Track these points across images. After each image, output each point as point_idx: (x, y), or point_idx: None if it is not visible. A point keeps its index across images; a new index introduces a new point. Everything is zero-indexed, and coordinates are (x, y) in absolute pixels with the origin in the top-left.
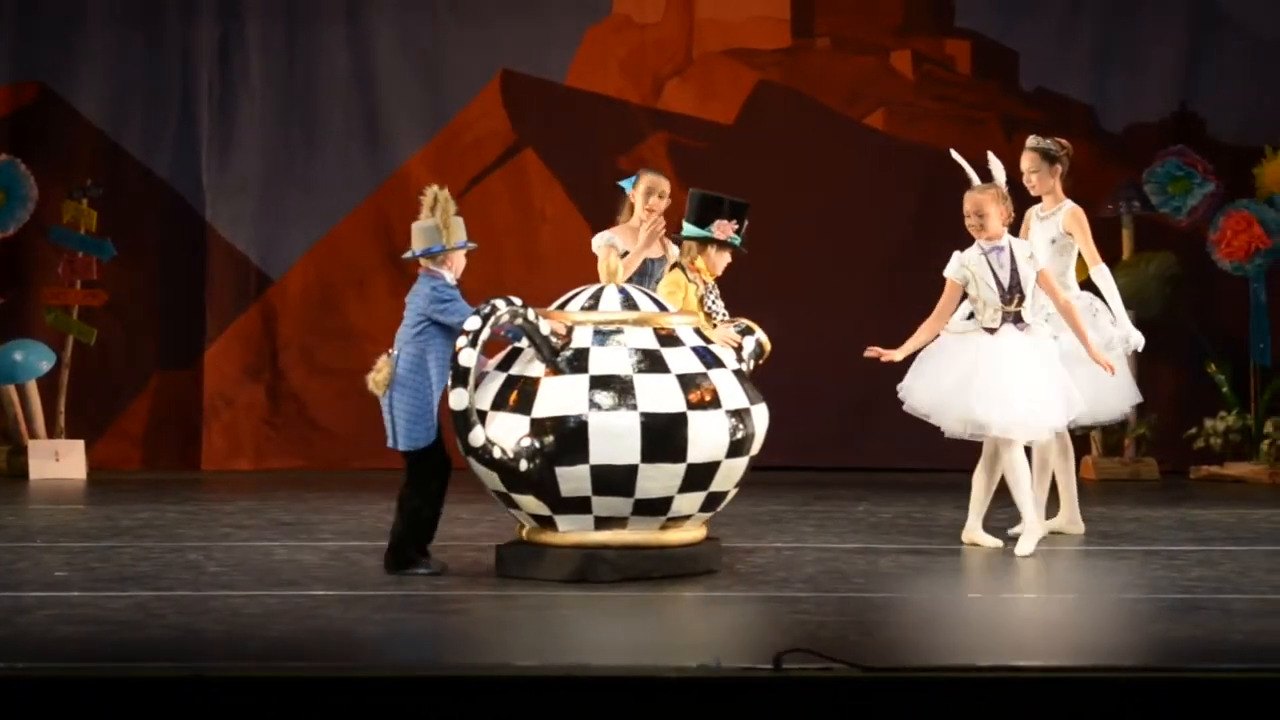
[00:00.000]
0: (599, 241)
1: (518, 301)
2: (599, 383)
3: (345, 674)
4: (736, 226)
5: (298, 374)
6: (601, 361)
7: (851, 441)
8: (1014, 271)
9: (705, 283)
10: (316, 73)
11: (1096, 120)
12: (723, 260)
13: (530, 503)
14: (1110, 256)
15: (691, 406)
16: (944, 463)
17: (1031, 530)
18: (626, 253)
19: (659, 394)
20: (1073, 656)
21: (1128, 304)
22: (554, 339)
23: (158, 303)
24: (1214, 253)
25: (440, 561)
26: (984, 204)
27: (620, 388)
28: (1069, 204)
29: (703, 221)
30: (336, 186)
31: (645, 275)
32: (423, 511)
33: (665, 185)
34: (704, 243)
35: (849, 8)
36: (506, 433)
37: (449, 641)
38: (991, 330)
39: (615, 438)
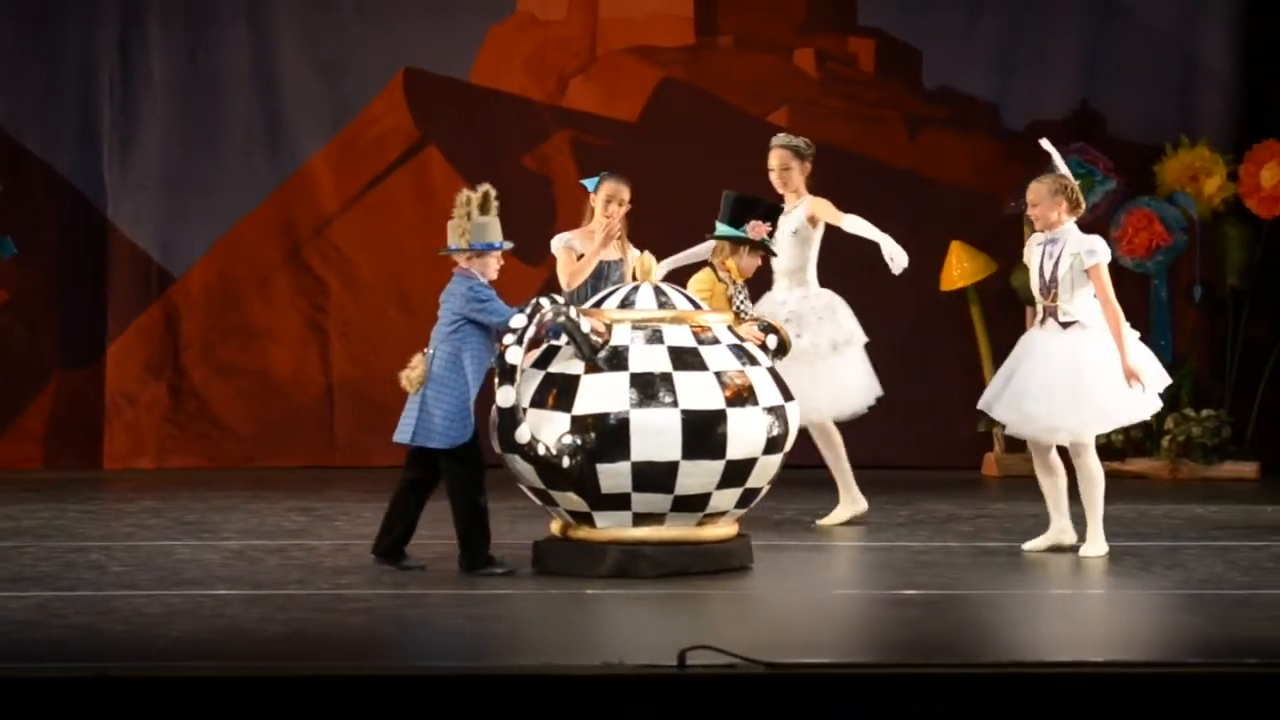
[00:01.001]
0: (558, 243)
1: (560, 299)
2: (639, 380)
3: (247, 674)
4: (770, 229)
5: (200, 372)
6: (641, 359)
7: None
8: (1056, 266)
9: (734, 283)
10: (218, 71)
11: (999, 118)
12: (754, 262)
13: (569, 499)
14: (1013, 254)
15: (730, 403)
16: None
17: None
18: (583, 255)
19: (698, 391)
20: (974, 653)
21: (1029, 301)
22: (594, 337)
23: (59, 301)
24: (1115, 249)
25: (507, 561)
26: (1041, 194)
27: (660, 385)
28: (810, 197)
29: (736, 222)
30: (238, 185)
31: (601, 278)
32: (480, 502)
33: (626, 192)
34: (737, 243)
35: (752, 6)
36: (547, 430)
37: (351, 642)
38: (1040, 324)
39: (656, 434)
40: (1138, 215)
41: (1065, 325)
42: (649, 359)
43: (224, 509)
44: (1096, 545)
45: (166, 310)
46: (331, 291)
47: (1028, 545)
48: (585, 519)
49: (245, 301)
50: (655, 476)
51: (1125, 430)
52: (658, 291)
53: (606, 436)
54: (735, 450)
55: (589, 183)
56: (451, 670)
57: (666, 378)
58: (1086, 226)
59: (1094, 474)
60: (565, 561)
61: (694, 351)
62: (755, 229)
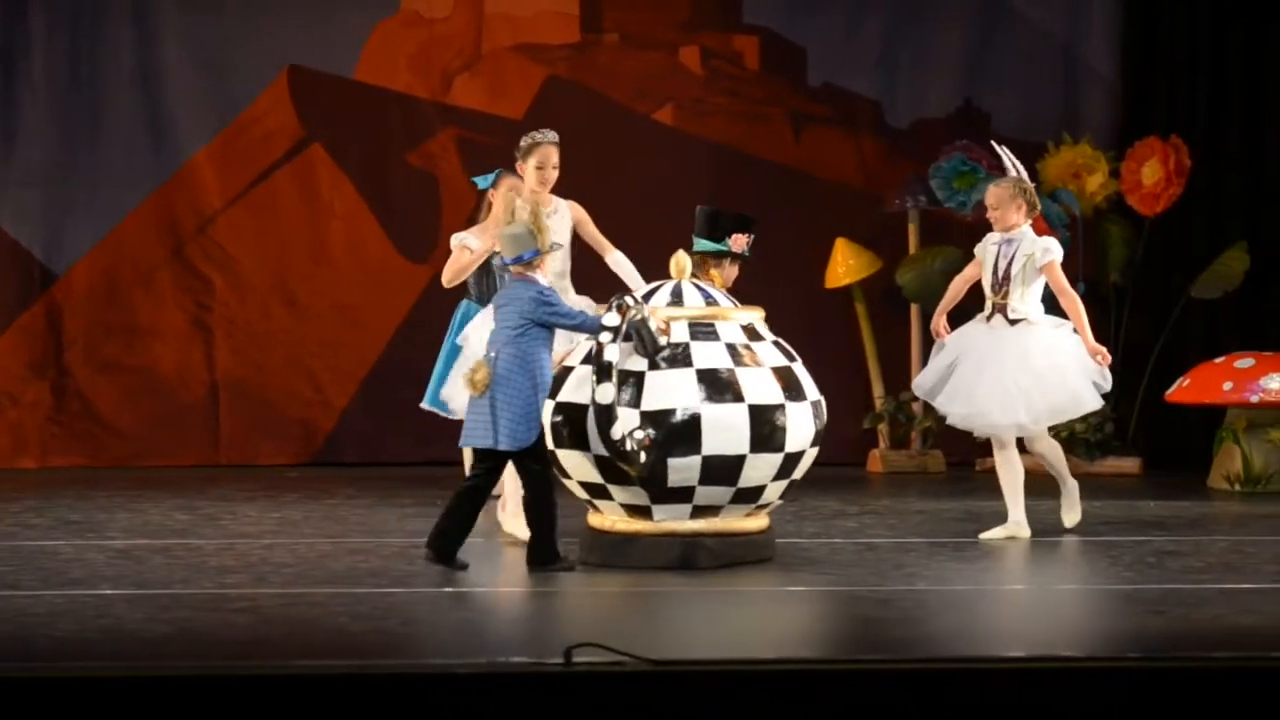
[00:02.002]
0: (455, 241)
1: (635, 297)
2: (705, 376)
3: (132, 674)
4: (748, 239)
5: (83, 371)
6: (703, 355)
7: None
8: (1010, 264)
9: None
10: (101, 67)
11: (883, 115)
12: (734, 273)
13: (628, 493)
14: (897, 252)
15: (786, 397)
16: None
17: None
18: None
19: (759, 385)
20: (861, 649)
21: (914, 299)
22: (660, 336)
23: None
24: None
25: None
26: (1002, 197)
27: (725, 380)
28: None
29: (716, 236)
30: (122, 182)
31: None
32: (553, 499)
33: (525, 187)
34: (719, 256)
35: (638, 3)
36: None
37: (237, 641)
38: (987, 319)
39: (726, 429)
40: None
41: (1013, 322)
42: (711, 355)
43: (108, 508)
44: (1075, 513)
45: (49, 308)
46: (216, 289)
47: (984, 535)
48: (641, 512)
49: (129, 299)
50: (723, 470)
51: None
52: (699, 289)
53: (678, 431)
54: (792, 443)
55: (481, 180)
56: (337, 670)
57: (730, 373)
58: (970, 223)
59: (1054, 444)
60: (620, 554)
61: (747, 347)
62: (737, 241)
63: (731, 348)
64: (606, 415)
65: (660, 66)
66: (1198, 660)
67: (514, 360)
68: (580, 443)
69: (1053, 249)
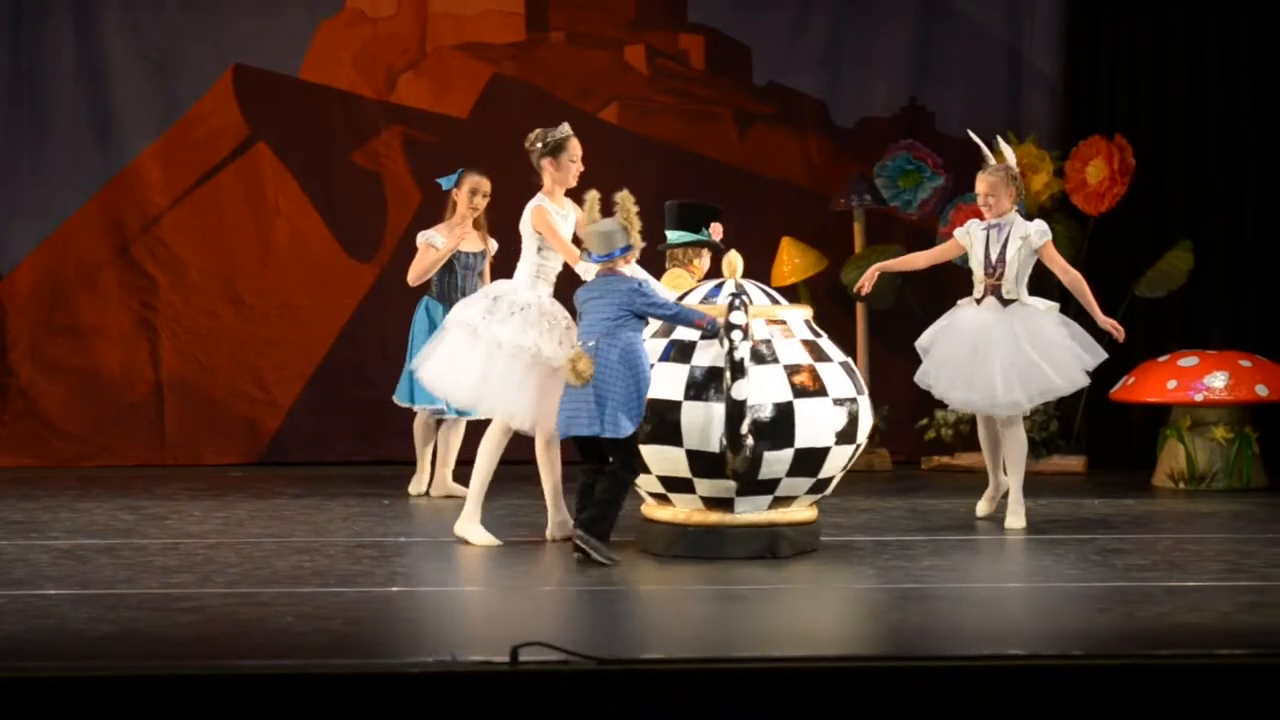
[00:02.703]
0: (421, 239)
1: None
2: (792, 371)
3: (77, 674)
4: (721, 229)
5: (28, 371)
6: (785, 352)
7: None
8: (1004, 248)
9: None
10: (44, 66)
11: (828, 114)
12: (705, 263)
13: (711, 486)
14: (843, 250)
15: (858, 391)
16: None
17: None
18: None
19: (838, 380)
20: (808, 647)
21: (857, 298)
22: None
23: None
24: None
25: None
26: (995, 185)
27: (810, 374)
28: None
29: (695, 227)
30: (66, 181)
31: (468, 269)
32: (628, 490)
33: (487, 185)
34: (700, 247)
35: (583, 2)
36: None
37: (182, 641)
38: (978, 301)
39: (816, 422)
40: (966, 211)
41: (1006, 302)
42: (791, 351)
43: (52, 508)
44: (1019, 515)
45: None
46: (161, 289)
47: (981, 511)
48: (722, 505)
49: (74, 299)
50: (810, 462)
51: (954, 424)
52: (760, 288)
53: (774, 425)
54: (861, 435)
55: (445, 181)
56: (282, 670)
57: (810, 368)
58: (915, 221)
59: (1024, 445)
60: (705, 546)
61: (815, 343)
62: (716, 230)
63: (806, 343)
64: (740, 411)
65: (606, 65)
66: (1142, 658)
67: (614, 350)
68: (669, 438)
69: (1046, 230)
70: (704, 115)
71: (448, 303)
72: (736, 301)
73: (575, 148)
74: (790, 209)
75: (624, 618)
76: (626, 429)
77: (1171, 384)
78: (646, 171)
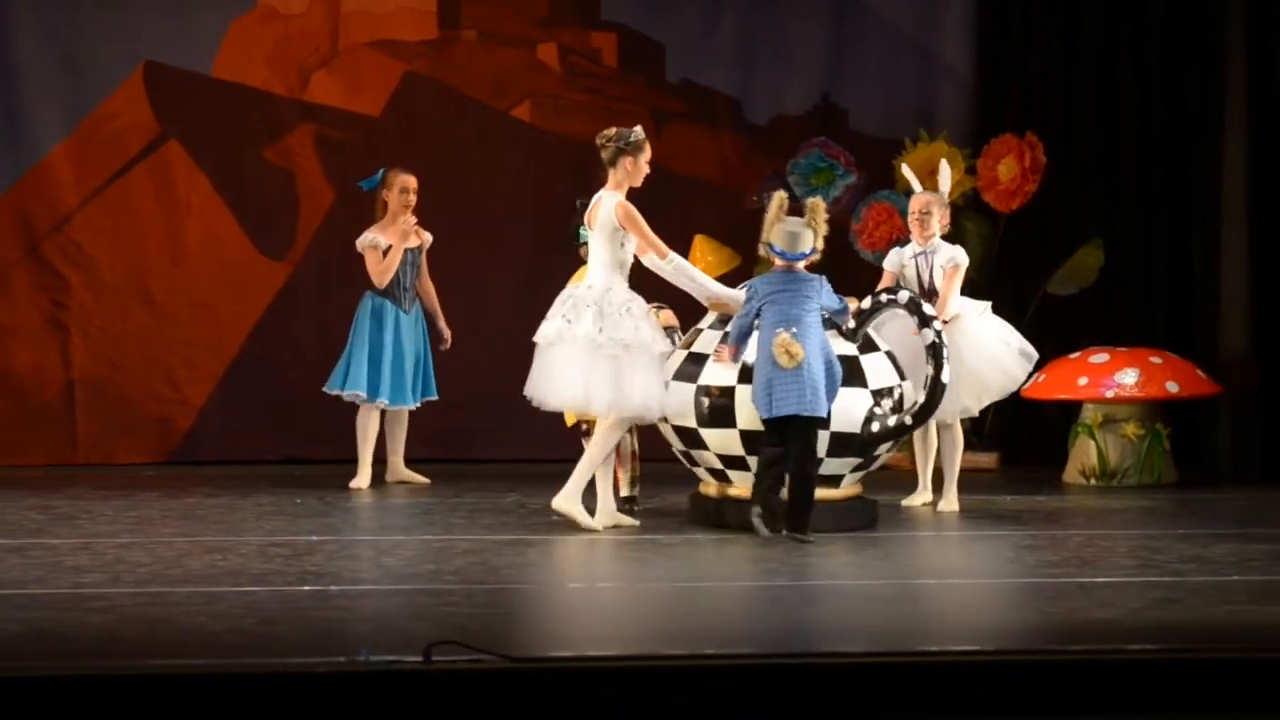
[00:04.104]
0: (365, 243)
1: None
2: (890, 358)
3: None
4: None
5: None
6: (874, 340)
7: (501, 432)
8: (932, 274)
9: None
10: None
11: (741, 112)
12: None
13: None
14: (756, 247)
15: (901, 378)
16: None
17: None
18: (390, 247)
19: (886, 370)
20: (719, 644)
21: None
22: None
23: None
24: (856, 243)
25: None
26: (931, 205)
27: (896, 362)
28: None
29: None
30: None
31: (406, 264)
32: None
33: (415, 181)
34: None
35: (495, 0)
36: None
37: (93, 640)
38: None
39: (914, 404)
40: (878, 209)
41: (945, 322)
42: (877, 340)
43: None
44: (953, 501)
45: None
46: (72, 287)
47: (905, 501)
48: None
49: None
50: (898, 440)
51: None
52: None
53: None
54: (906, 418)
55: (366, 183)
56: (194, 669)
57: (890, 354)
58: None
59: (960, 441)
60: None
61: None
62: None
63: (867, 337)
64: (943, 394)
65: (518, 63)
66: (1054, 654)
67: (812, 338)
68: (726, 420)
69: (958, 257)
70: (617, 113)
71: (391, 298)
72: (915, 299)
73: (649, 150)
74: (704, 206)
75: (538, 616)
76: (826, 409)
77: (1083, 381)
78: (560, 169)
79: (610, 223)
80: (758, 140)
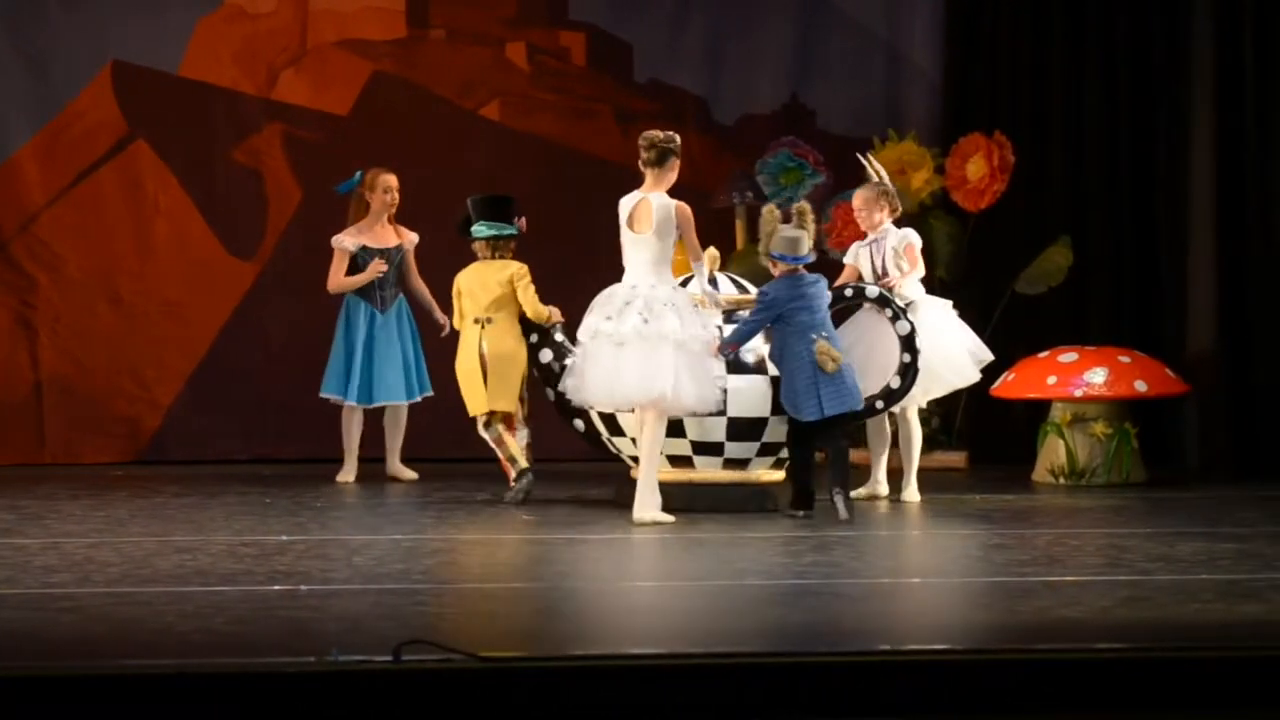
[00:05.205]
0: (335, 242)
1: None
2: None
3: None
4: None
5: None
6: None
7: (472, 431)
8: (884, 259)
9: None
10: None
11: (709, 112)
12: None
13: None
14: (724, 247)
15: None
16: (566, 453)
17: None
18: (363, 247)
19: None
20: (691, 643)
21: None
22: None
23: None
24: (825, 242)
25: None
26: (867, 199)
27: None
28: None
29: (509, 219)
30: None
31: (392, 263)
32: None
33: (396, 180)
34: (510, 239)
35: None
36: None
37: (61, 640)
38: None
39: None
40: (847, 208)
41: (906, 304)
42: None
43: None
44: (913, 491)
45: None
46: (40, 287)
47: (853, 492)
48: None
49: None
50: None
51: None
52: (730, 279)
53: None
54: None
55: (343, 186)
56: (163, 669)
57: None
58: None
59: (918, 432)
60: (722, 500)
61: None
62: (523, 223)
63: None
64: (915, 380)
65: (486, 62)
66: (1022, 652)
67: (836, 338)
68: None
69: (909, 236)
70: (585, 112)
71: (369, 299)
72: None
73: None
74: None
75: (508, 615)
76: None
77: (1051, 380)
78: (528, 169)
79: (670, 221)
80: (726, 140)
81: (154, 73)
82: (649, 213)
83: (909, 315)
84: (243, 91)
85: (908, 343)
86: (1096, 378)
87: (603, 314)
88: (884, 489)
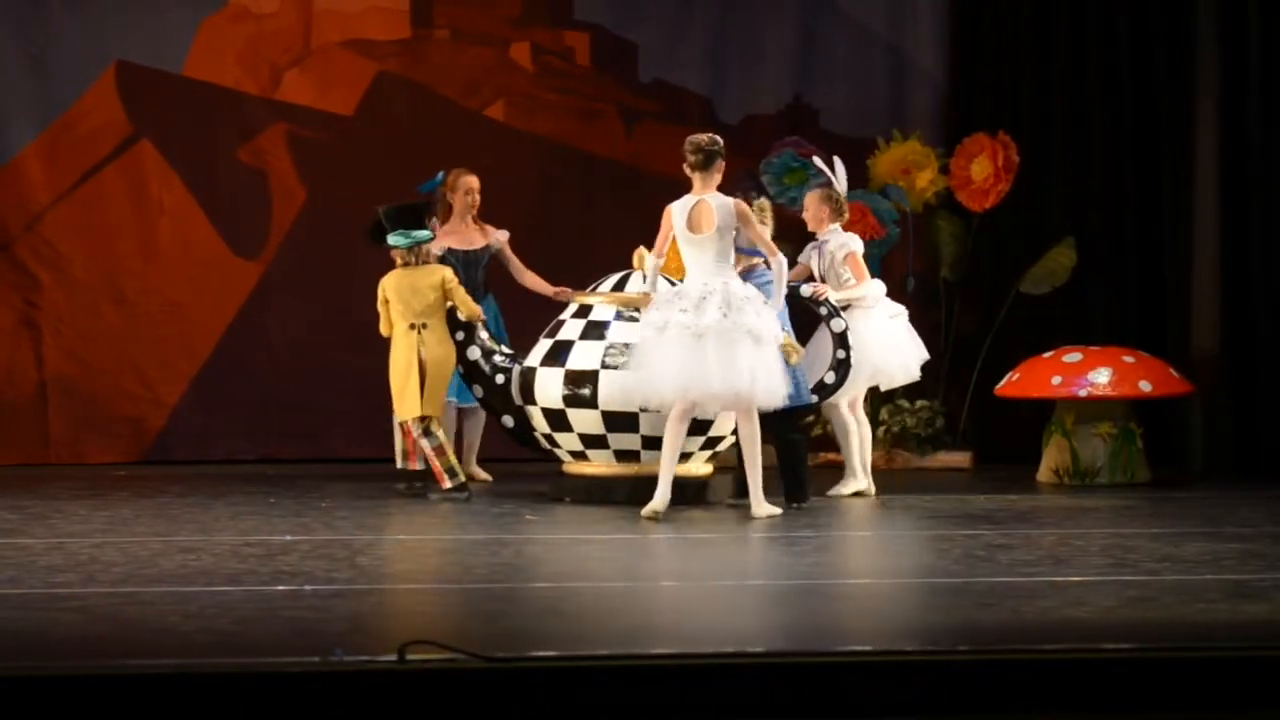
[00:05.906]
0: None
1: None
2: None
3: None
4: None
5: None
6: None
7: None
8: (826, 262)
9: None
10: None
11: (713, 112)
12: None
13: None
14: None
15: None
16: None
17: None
18: (448, 249)
19: None
20: (697, 642)
21: None
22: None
23: None
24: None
25: None
26: (812, 202)
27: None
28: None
29: (419, 227)
30: None
31: (472, 265)
32: None
33: (478, 182)
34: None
35: None
36: None
37: (65, 640)
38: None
39: None
40: (851, 208)
41: (844, 308)
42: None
43: None
44: (846, 485)
45: None
46: (44, 287)
47: (831, 491)
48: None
49: None
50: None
51: (827, 422)
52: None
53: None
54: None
55: (425, 186)
56: (167, 669)
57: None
58: (795, 218)
59: (854, 426)
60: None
61: None
62: (435, 225)
63: None
64: (849, 376)
65: (491, 62)
66: (1027, 653)
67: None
68: (590, 403)
69: (850, 243)
70: (589, 112)
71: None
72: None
73: None
74: None
75: (512, 616)
76: None
77: (1056, 380)
78: (532, 168)
79: (730, 218)
80: (729, 140)
81: (158, 73)
82: (709, 213)
83: (843, 314)
84: (247, 92)
85: (841, 340)
86: (1101, 378)
87: (675, 307)
88: (863, 483)
